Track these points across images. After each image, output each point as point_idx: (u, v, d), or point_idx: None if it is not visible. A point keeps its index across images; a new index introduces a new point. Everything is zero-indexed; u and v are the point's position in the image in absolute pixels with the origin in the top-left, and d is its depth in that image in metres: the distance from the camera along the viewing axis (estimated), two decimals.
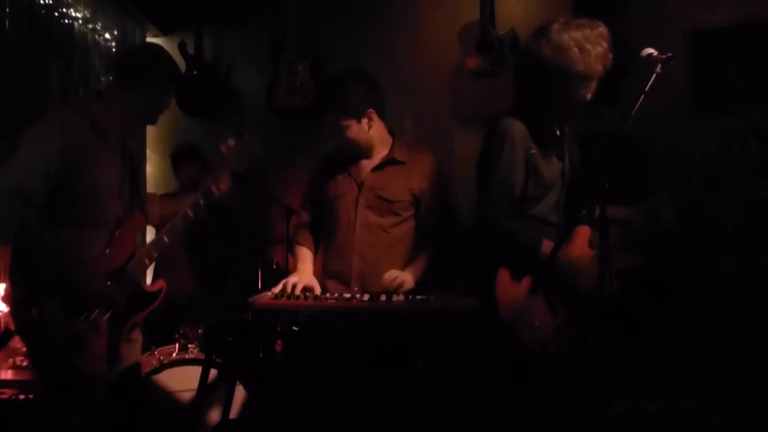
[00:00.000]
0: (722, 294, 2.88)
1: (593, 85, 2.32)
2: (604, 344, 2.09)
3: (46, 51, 3.46)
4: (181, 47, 4.13)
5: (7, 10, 3.18)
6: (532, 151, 2.39)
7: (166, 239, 2.52)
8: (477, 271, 2.48)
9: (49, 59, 3.48)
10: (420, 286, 2.55)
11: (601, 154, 2.09)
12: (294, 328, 2.35)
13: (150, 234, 3.63)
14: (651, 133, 3.25)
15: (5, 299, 2.39)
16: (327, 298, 2.44)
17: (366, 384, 2.38)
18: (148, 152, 4.35)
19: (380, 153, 2.74)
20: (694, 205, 2.49)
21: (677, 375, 2.82)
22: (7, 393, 2.91)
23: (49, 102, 3.43)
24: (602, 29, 2.29)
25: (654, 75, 2.08)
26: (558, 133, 2.50)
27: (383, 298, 2.37)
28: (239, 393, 2.87)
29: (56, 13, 3.54)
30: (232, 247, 3.78)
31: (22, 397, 2.88)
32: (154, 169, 4.34)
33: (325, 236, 2.81)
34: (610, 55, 2.28)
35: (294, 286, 2.53)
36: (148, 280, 3.29)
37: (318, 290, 2.60)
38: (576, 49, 2.24)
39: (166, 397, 2.91)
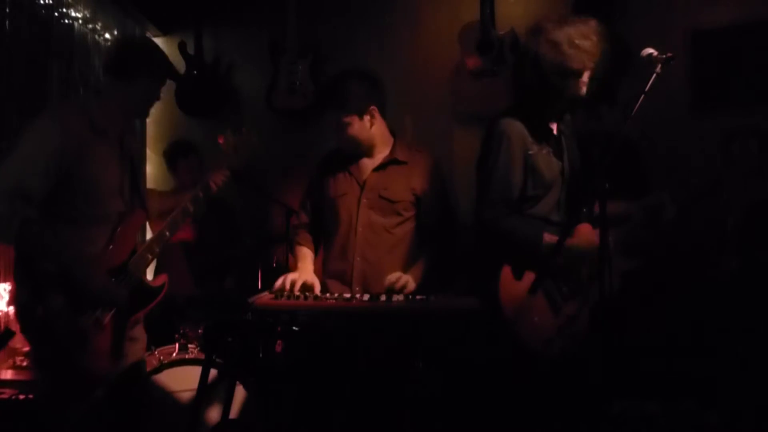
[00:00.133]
0: (722, 294, 2.88)
1: (586, 78, 2.34)
2: (604, 344, 2.09)
3: (46, 51, 3.45)
4: (181, 47, 4.13)
5: (7, 10, 3.18)
6: (531, 152, 2.40)
7: (167, 233, 2.53)
8: (477, 271, 2.49)
9: (49, 59, 3.47)
10: (420, 286, 2.55)
11: (601, 154, 2.10)
12: (294, 328, 2.35)
13: (150, 231, 3.65)
14: (651, 133, 3.25)
15: (11, 298, 2.39)
16: (327, 298, 2.44)
17: (366, 384, 2.38)
18: (148, 152, 4.34)
19: (382, 152, 2.73)
20: (694, 205, 2.49)
21: (677, 375, 2.82)
22: (7, 393, 2.90)
23: (49, 102, 3.42)
24: (593, 24, 2.32)
25: (654, 75, 2.09)
26: (556, 132, 2.51)
27: (383, 298, 2.37)
28: (239, 393, 2.87)
29: (56, 13, 3.54)
30: (232, 247, 3.78)
31: (22, 397, 2.87)
32: (153, 169, 4.33)
33: (325, 236, 2.81)
34: (600, 48, 2.30)
35: (293, 283, 2.53)
36: (150, 277, 3.28)
37: (318, 288, 2.60)
38: (568, 45, 2.28)
39: (166, 397, 2.92)
